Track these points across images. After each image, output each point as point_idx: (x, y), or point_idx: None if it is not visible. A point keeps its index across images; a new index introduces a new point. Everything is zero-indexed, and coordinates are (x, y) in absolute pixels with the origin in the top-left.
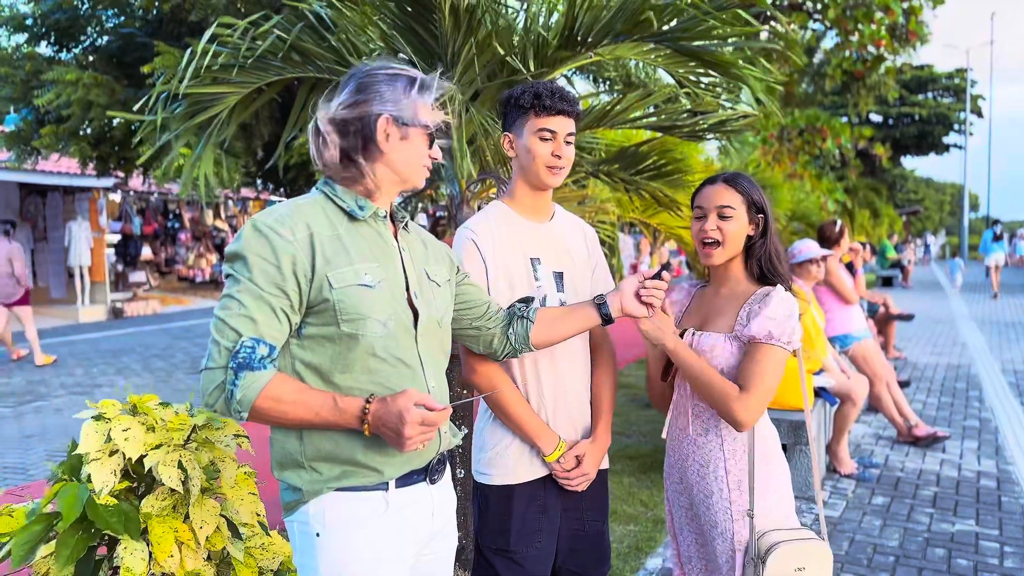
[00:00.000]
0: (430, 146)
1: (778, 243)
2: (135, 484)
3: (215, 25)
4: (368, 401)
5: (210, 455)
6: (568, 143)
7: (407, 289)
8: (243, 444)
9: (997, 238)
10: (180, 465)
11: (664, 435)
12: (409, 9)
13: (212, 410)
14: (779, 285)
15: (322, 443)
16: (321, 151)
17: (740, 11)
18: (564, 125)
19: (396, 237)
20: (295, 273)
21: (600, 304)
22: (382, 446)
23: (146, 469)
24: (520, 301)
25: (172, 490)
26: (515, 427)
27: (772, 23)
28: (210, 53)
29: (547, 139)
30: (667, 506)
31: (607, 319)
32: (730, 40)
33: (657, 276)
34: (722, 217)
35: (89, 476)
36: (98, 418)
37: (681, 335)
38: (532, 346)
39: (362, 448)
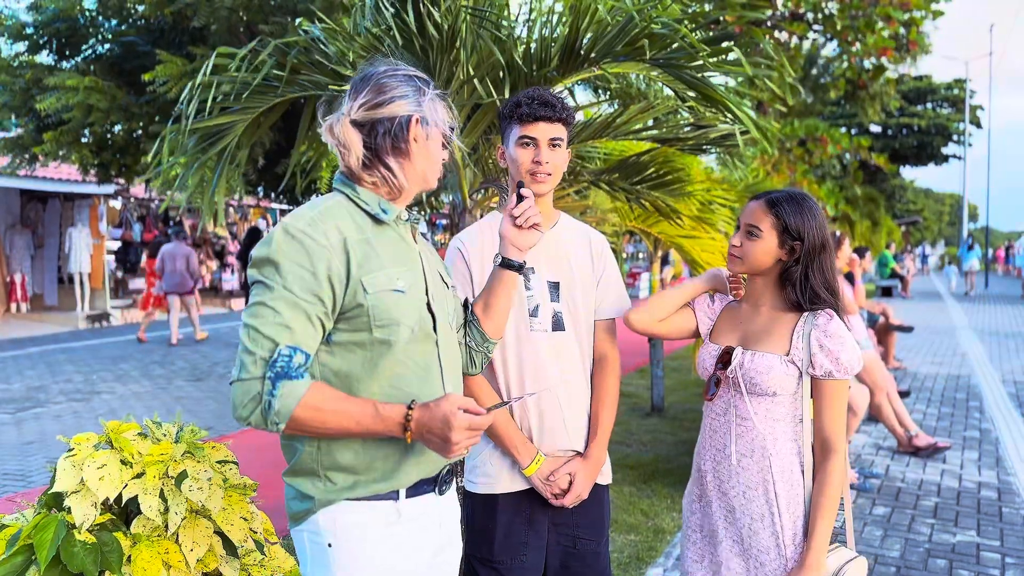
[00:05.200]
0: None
1: (827, 273)
2: (124, 506)
3: (215, 55)
4: (410, 407)
5: (194, 484)
6: (554, 147)
7: (426, 292)
8: (229, 472)
9: (971, 248)
10: (162, 495)
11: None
12: (399, 34)
13: (246, 423)
14: (829, 310)
15: (340, 452)
16: (343, 155)
17: (734, 47)
18: (546, 131)
19: (415, 240)
20: (330, 278)
21: (500, 262)
22: (398, 456)
23: (124, 502)
24: (463, 307)
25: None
26: (495, 438)
27: (775, 32)
28: (213, 85)
29: (528, 145)
30: (687, 530)
31: (512, 267)
32: (721, 71)
33: (519, 199)
34: (748, 235)
35: (70, 508)
36: (74, 452)
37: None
38: (491, 339)
39: (380, 457)
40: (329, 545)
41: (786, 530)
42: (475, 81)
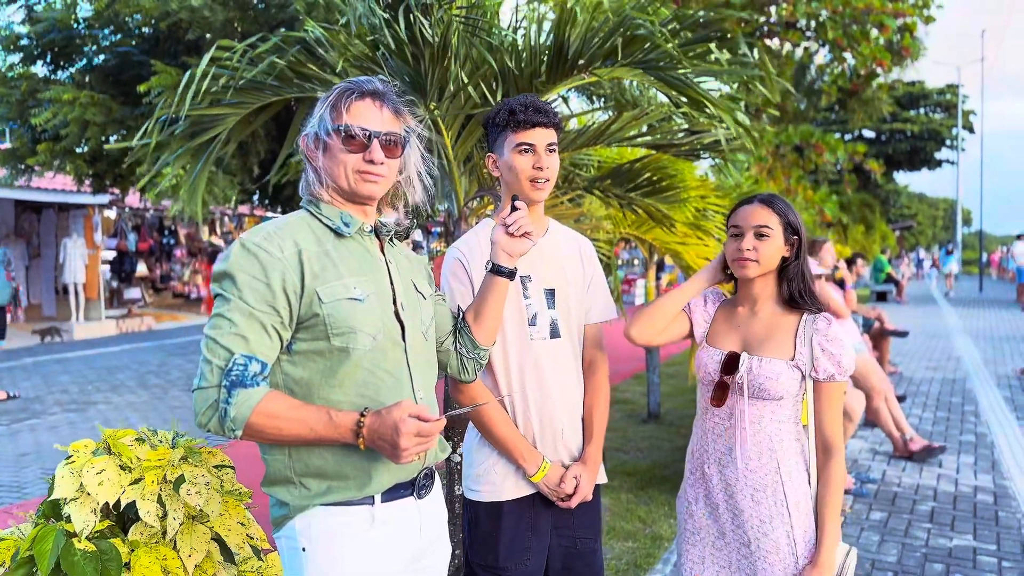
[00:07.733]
0: (365, 148)
1: (808, 266)
2: (122, 513)
3: (214, 48)
4: (362, 415)
5: (192, 488)
6: (551, 152)
7: (394, 302)
8: (226, 476)
9: (949, 253)
10: (160, 500)
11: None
12: (392, 43)
13: (206, 429)
14: (826, 314)
15: (311, 459)
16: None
17: (721, 45)
18: (543, 137)
19: (383, 251)
20: (284, 290)
21: (491, 268)
22: (370, 460)
23: (122, 507)
24: (454, 317)
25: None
26: (500, 446)
27: (766, 40)
28: (209, 75)
29: (527, 152)
30: (685, 533)
31: (503, 273)
32: (707, 71)
33: (513, 209)
34: (759, 236)
35: (69, 516)
36: (72, 459)
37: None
38: (482, 345)
39: (350, 463)
40: (303, 550)
41: (797, 529)
42: (469, 88)
